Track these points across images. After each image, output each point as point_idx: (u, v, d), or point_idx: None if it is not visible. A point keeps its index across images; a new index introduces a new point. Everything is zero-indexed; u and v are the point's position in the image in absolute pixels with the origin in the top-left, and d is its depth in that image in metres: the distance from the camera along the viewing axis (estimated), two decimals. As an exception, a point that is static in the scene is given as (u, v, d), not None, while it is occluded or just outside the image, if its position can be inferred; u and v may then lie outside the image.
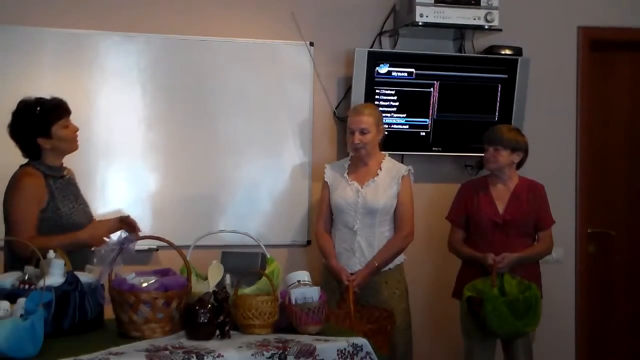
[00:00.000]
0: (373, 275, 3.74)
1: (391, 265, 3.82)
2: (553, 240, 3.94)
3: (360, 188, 3.80)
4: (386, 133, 4.08)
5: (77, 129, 3.42)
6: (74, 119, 4.05)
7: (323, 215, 3.92)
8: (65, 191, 3.37)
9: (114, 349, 2.55)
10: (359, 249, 3.78)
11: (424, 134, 4.36)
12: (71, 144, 3.41)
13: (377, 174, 3.82)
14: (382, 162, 3.86)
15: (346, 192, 3.83)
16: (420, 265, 4.50)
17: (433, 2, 4.14)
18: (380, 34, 4.42)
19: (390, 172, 3.82)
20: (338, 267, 3.76)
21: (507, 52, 4.43)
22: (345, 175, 3.87)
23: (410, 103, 4.32)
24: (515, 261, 3.76)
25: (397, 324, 3.70)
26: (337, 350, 2.73)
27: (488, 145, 3.85)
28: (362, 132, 3.76)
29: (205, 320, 2.68)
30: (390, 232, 3.82)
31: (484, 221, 3.86)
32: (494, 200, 3.88)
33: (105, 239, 3.19)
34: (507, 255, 3.73)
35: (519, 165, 3.93)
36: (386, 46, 4.43)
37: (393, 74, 4.28)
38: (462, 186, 4.04)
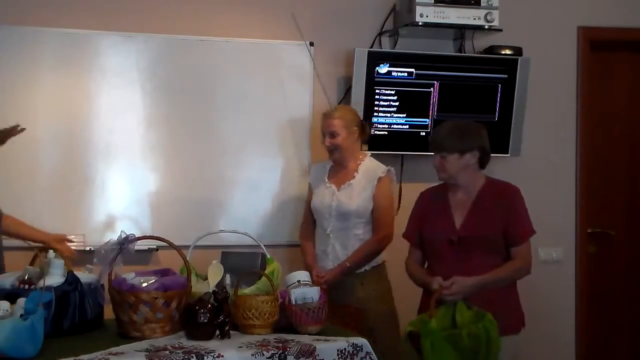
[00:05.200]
0: (344, 275, 3.68)
1: (367, 267, 3.73)
2: (530, 258, 3.21)
3: (336, 191, 3.76)
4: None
5: None
6: (74, 118, 4.08)
7: (306, 218, 3.93)
8: None
9: (114, 349, 2.55)
10: (332, 251, 3.74)
11: (424, 134, 4.36)
12: None
13: (354, 177, 3.77)
14: (360, 163, 3.80)
15: (323, 194, 3.81)
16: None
17: (433, 2, 4.14)
18: (380, 34, 4.42)
19: (367, 174, 3.76)
20: (310, 265, 3.75)
21: (507, 52, 4.43)
22: (325, 177, 3.85)
23: (410, 103, 4.32)
24: (471, 287, 3.03)
25: (378, 325, 3.63)
26: (337, 350, 2.73)
27: (433, 152, 3.25)
28: (332, 135, 3.74)
29: (205, 320, 2.68)
30: (367, 235, 3.75)
31: (436, 238, 3.22)
32: (451, 211, 3.21)
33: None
34: (458, 280, 3.02)
35: (482, 164, 3.23)
36: (386, 46, 4.43)
37: (393, 74, 4.28)
38: (419, 195, 3.45)
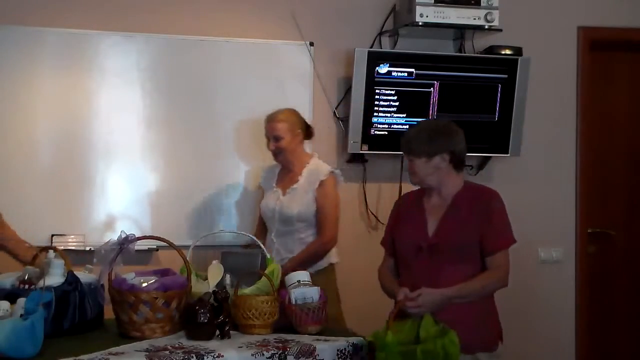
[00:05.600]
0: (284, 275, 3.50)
1: (312, 270, 3.46)
2: (506, 269, 2.92)
3: (281, 195, 3.74)
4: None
5: None
6: (74, 118, 4.08)
7: (258, 221, 3.92)
8: None
9: (114, 349, 2.56)
10: (277, 255, 3.65)
11: (424, 134, 4.35)
12: None
13: (298, 180, 3.73)
14: (305, 166, 3.75)
15: (269, 199, 3.79)
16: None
17: (433, 2, 4.14)
18: (380, 34, 4.42)
19: (309, 177, 3.71)
20: None
21: (507, 52, 4.43)
22: (274, 182, 3.84)
23: (410, 103, 4.32)
24: (439, 299, 2.81)
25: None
26: (337, 350, 2.73)
27: (403, 154, 3.07)
28: (276, 139, 3.71)
29: (205, 320, 2.68)
30: (311, 238, 3.70)
31: (405, 245, 3.02)
32: (425, 217, 3.00)
33: None
34: (425, 292, 2.80)
35: (458, 167, 2.99)
36: (386, 46, 4.43)
37: (393, 74, 4.28)
38: (397, 200, 3.34)
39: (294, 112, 3.82)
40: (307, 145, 4.31)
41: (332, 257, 3.77)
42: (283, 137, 3.71)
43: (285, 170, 3.81)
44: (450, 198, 2.97)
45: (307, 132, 3.83)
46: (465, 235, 2.90)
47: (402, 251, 3.03)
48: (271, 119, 3.76)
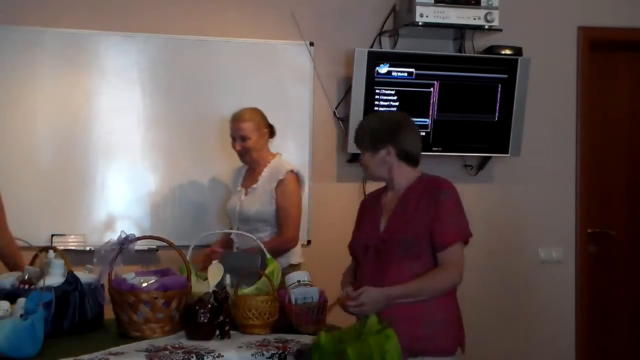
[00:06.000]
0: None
1: None
2: (457, 265, 2.75)
3: (243, 195, 3.73)
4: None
5: None
6: (74, 118, 4.08)
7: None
8: None
9: (114, 349, 2.55)
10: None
11: (424, 134, 4.35)
12: None
13: (258, 180, 3.71)
14: (267, 165, 3.72)
15: (233, 198, 3.79)
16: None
17: (433, 2, 4.14)
18: (380, 34, 4.42)
19: (270, 177, 3.68)
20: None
21: (507, 52, 4.43)
22: (239, 181, 3.82)
23: (410, 103, 4.32)
24: (380, 299, 2.68)
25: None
26: (337, 350, 2.73)
27: None
28: (243, 139, 3.68)
29: (205, 320, 2.68)
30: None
31: (357, 245, 2.92)
32: (379, 215, 2.88)
33: None
34: (367, 291, 2.68)
35: (409, 160, 2.85)
36: (386, 46, 4.43)
37: (393, 74, 4.28)
38: (362, 199, 3.24)
39: (258, 111, 3.77)
40: (304, 144, 4.33)
41: (293, 257, 3.70)
42: (250, 137, 3.67)
43: (251, 170, 3.79)
44: (401, 192, 2.84)
45: (271, 130, 3.79)
46: (412, 230, 2.75)
47: (355, 251, 2.94)
48: (237, 119, 3.71)
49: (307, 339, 2.73)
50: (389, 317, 2.57)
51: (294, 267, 3.63)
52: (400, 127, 2.84)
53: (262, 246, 3.18)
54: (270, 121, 4.28)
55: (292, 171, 3.68)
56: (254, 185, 3.71)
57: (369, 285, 2.71)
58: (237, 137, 3.70)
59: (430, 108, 4.35)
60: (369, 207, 2.98)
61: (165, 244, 2.86)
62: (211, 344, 2.62)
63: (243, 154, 3.72)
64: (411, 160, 2.85)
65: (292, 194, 3.68)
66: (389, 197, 2.88)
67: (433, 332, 2.73)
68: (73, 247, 3.95)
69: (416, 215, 2.76)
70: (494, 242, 4.59)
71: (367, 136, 2.85)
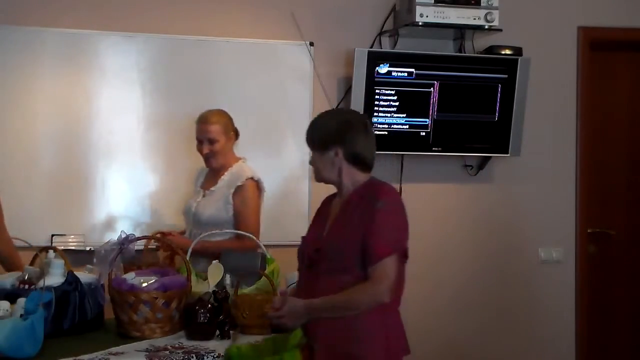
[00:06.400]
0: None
1: None
2: (383, 282, 2.49)
3: (201, 197, 3.65)
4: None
5: None
6: (74, 118, 4.08)
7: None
8: None
9: (114, 349, 2.56)
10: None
11: (424, 134, 4.36)
12: None
13: (217, 183, 3.62)
14: (228, 170, 3.63)
15: (191, 200, 3.71)
16: (418, 269, 4.50)
17: (433, 2, 4.14)
18: (380, 34, 4.42)
19: (229, 181, 3.59)
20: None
21: (507, 52, 4.43)
22: (200, 182, 3.75)
23: (410, 103, 4.32)
24: (301, 311, 2.52)
25: None
26: (337, 350, 2.72)
27: None
28: (211, 142, 3.58)
29: (205, 320, 2.68)
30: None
31: (298, 253, 2.74)
32: (325, 221, 2.69)
33: None
34: (290, 302, 2.54)
35: (358, 163, 2.64)
36: (386, 46, 4.43)
37: (393, 74, 4.28)
38: None
39: (225, 113, 3.69)
40: (304, 144, 4.31)
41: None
42: (218, 140, 3.58)
43: (212, 172, 3.70)
44: (345, 198, 2.65)
45: (236, 134, 3.71)
46: (344, 240, 2.55)
47: (298, 260, 2.73)
48: (204, 121, 3.61)
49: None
50: (315, 333, 2.48)
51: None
52: (352, 127, 2.63)
53: (262, 245, 3.18)
54: (271, 121, 4.29)
55: (251, 178, 3.58)
56: (212, 188, 3.62)
57: (302, 297, 2.56)
58: (205, 140, 3.59)
59: (430, 108, 4.35)
60: (321, 211, 2.77)
61: (165, 244, 2.86)
62: (211, 344, 2.62)
63: (209, 157, 3.62)
64: (361, 164, 2.64)
65: (251, 201, 3.58)
66: (336, 203, 2.69)
67: (361, 351, 2.50)
68: (73, 247, 3.94)
69: (351, 224, 2.56)
70: (494, 242, 4.59)
71: (317, 135, 2.67)
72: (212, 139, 3.59)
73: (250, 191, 3.58)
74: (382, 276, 2.49)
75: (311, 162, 2.72)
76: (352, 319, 2.49)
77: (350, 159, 2.62)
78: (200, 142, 3.63)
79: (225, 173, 3.63)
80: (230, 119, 3.69)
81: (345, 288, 2.50)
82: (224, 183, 3.61)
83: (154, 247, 3.97)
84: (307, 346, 2.51)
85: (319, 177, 2.70)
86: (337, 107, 4.36)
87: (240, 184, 3.56)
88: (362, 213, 2.55)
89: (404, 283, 2.65)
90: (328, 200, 2.78)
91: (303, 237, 2.77)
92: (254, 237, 3.29)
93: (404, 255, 2.61)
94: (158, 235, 3.47)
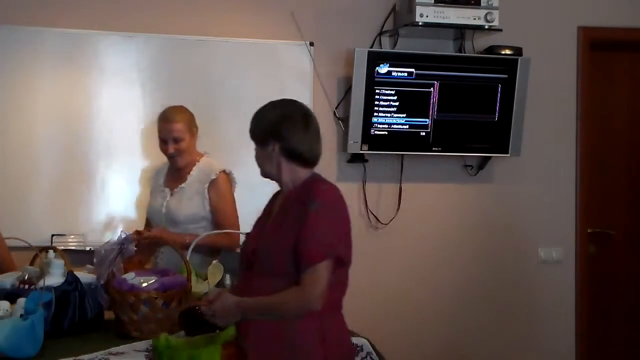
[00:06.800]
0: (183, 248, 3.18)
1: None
2: (312, 289, 2.34)
3: (168, 195, 3.55)
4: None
5: None
6: (74, 118, 4.08)
7: (145, 224, 3.71)
8: None
9: (114, 349, 2.56)
10: (167, 260, 3.43)
11: (424, 134, 4.36)
12: None
13: (186, 180, 3.54)
14: (195, 165, 3.56)
15: (156, 199, 3.61)
16: (418, 269, 4.50)
17: (433, 2, 4.14)
18: (380, 34, 4.42)
19: (200, 176, 3.53)
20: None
21: (507, 52, 4.43)
22: (162, 180, 3.64)
23: (410, 103, 4.32)
24: (232, 308, 2.40)
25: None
26: (337, 350, 2.72)
27: None
28: (176, 141, 3.49)
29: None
30: None
31: (240, 252, 2.68)
32: (267, 219, 2.56)
33: None
34: (223, 297, 2.44)
35: (296, 159, 2.50)
36: (386, 46, 4.43)
37: (393, 74, 4.28)
38: None
39: (187, 110, 3.60)
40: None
41: None
42: (183, 139, 3.49)
43: (174, 169, 3.61)
44: (284, 196, 2.53)
45: (197, 130, 3.61)
46: (277, 243, 2.42)
47: (239, 259, 2.63)
48: (168, 119, 3.52)
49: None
50: (247, 335, 2.41)
51: None
52: (289, 121, 2.48)
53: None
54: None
55: (224, 171, 3.54)
56: (182, 185, 3.54)
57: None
58: (170, 139, 3.49)
59: (430, 108, 4.35)
60: (267, 207, 2.62)
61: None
62: (211, 344, 2.61)
63: (175, 156, 3.52)
64: (300, 160, 2.49)
65: (227, 194, 3.55)
66: (279, 201, 2.55)
67: (295, 358, 2.40)
68: (73, 247, 3.94)
69: (285, 226, 2.42)
70: (494, 242, 4.59)
71: (257, 127, 2.53)
72: (177, 137, 3.49)
73: (224, 184, 3.55)
74: (312, 283, 2.33)
75: (255, 157, 2.56)
76: (285, 323, 2.38)
77: (287, 155, 2.47)
78: (164, 142, 3.52)
79: (193, 169, 3.55)
80: (192, 115, 3.60)
81: (278, 292, 2.38)
82: (194, 179, 3.54)
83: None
84: (236, 345, 2.45)
85: (262, 172, 2.56)
86: (337, 107, 4.36)
87: (214, 177, 3.52)
88: (297, 214, 2.39)
89: (346, 287, 2.53)
90: (274, 196, 2.62)
91: (247, 235, 2.65)
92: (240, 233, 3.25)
93: (340, 261, 2.41)
94: (157, 234, 3.43)
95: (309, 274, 2.33)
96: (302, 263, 2.33)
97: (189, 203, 3.51)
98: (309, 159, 2.51)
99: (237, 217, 3.55)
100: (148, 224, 3.70)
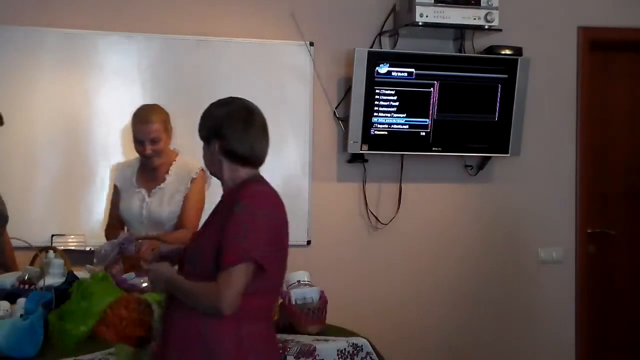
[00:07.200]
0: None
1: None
2: (224, 291, 2.25)
3: (146, 197, 3.49)
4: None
5: None
6: (74, 118, 4.08)
7: (111, 221, 3.63)
8: None
9: (114, 349, 2.55)
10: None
11: (424, 134, 4.36)
12: None
13: (165, 179, 3.50)
14: (172, 163, 3.51)
15: (132, 201, 3.52)
16: (418, 269, 4.50)
17: (433, 2, 4.14)
18: (380, 34, 4.42)
19: (179, 175, 3.49)
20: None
21: (507, 52, 4.43)
22: (134, 180, 3.55)
23: (410, 103, 4.32)
24: (162, 277, 2.39)
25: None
26: (337, 350, 2.74)
27: None
28: (153, 142, 3.42)
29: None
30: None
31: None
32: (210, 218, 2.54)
33: None
34: (160, 265, 2.47)
35: (235, 159, 2.46)
36: (386, 46, 4.43)
37: (393, 74, 4.28)
38: None
39: (162, 109, 3.53)
40: (304, 144, 4.32)
41: None
42: (161, 139, 3.43)
43: (147, 168, 3.53)
44: (222, 197, 2.51)
45: (172, 127, 3.56)
46: (202, 243, 2.41)
47: None
48: (144, 120, 3.44)
49: (307, 339, 2.74)
50: (167, 334, 2.36)
51: None
52: (229, 120, 2.47)
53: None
54: (271, 121, 4.26)
55: (202, 169, 3.45)
56: (161, 186, 3.50)
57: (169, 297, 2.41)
58: (147, 140, 3.42)
59: (430, 108, 4.35)
60: (216, 207, 2.55)
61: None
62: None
63: (153, 157, 3.46)
64: (241, 160, 2.46)
65: (201, 193, 3.52)
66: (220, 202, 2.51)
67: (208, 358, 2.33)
68: (73, 247, 3.94)
69: (212, 226, 2.41)
70: (494, 242, 4.59)
71: (201, 126, 2.52)
72: (154, 138, 3.43)
73: (202, 183, 3.52)
74: (224, 285, 2.25)
75: (203, 156, 2.53)
76: (203, 323, 2.31)
77: (227, 154, 2.45)
78: (140, 143, 3.45)
79: (171, 168, 3.51)
80: (167, 114, 3.55)
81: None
82: (173, 178, 3.51)
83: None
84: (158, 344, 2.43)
85: (209, 171, 2.56)
86: (337, 107, 4.36)
87: (195, 176, 3.50)
88: (225, 214, 2.35)
89: (274, 296, 2.47)
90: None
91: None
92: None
93: (260, 265, 2.31)
94: (158, 235, 3.43)
95: (223, 276, 2.26)
96: (222, 262, 2.27)
97: (171, 202, 3.49)
98: (250, 159, 2.48)
99: (200, 217, 3.46)
100: (115, 225, 3.60)
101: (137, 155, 3.58)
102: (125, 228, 3.58)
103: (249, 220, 2.31)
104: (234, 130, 2.45)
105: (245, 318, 2.32)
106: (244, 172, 2.46)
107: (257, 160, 2.50)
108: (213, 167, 2.49)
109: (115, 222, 3.62)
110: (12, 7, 4.00)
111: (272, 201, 2.43)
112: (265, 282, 2.35)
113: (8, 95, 3.97)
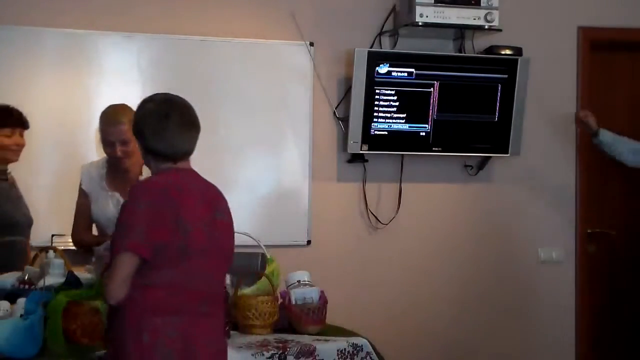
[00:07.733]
0: None
1: None
2: (111, 278, 2.34)
3: (121, 200, 3.30)
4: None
5: (21, 143, 3.45)
6: (74, 118, 4.07)
7: (77, 223, 3.54)
8: (8, 193, 3.41)
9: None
10: None
11: (423, 134, 4.36)
12: (7, 153, 3.45)
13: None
14: (142, 164, 3.26)
15: (107, 205, 3.43)
16: (418, 269, 4.50)
17: (433, 2, 4.14)
18: (380, 34, 4.41)
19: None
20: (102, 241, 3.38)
21: (507, 52, 4.43)
22: (104, 184, 3.48)
23: (410, 103, 4.32)
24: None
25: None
26: (337, 350, 2.74)
27: None
28: (124, 143, 3.32)
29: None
30: None
31: None
32: None
33: None
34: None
35: (156, 156, 2.51)
36: (386, 46, 4.43)
37: (393, 74, 4.28)
38: None
39: (131, 109, 3.21)
40: (304, 144, 4.32)
41: None
42: (131, 140, 3.21)
43: (118, 170, 3.44)
44: None
45: None
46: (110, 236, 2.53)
47: None
48: (113, 122, 3.35)
49: (307, 339, 2.74)
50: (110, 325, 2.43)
51: None
52: (148, 118, 2.51)
53: (262, 245, 3.18)
54: (271, 121, 4.29)
55: None
56: None
57: None
58: (117, 142, 3.33)
59: (430, 108, 4.35)
60: None
61: (165, 244, 2.85)
62: (211, 344, 2.61)
63: (124, 158, 3.36)
64: (162, 157, 2.50)
65: None
66: None
67: (120, 351, 2.37)
68: (73, 247, 3.94)
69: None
70: (494, 242, 4.59)
71: (132, 123, 2.59)
72: (124, 139, 3.32)
73: None
74: (107, 275, 2.38)
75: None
76: (115, 313, 2.37)
77: (148, 152, 2.51)
78: (110, 144, 3.36)
79: (143, 168, 3.32)
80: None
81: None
82: None
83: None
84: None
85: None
86: (337, 107, 4.36)
87: None
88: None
89: (180, 291, 2.39)
90: None
91: None
92: (251, 236, 3.24)
93: (140, 255, 2.32)
94: None
95: (112, 264, 2.34)
96: (111, 253, 2.36)
97: None
98: (170, 156, 2.50)
99: None
100: (85, 229, 3.56)
101: (104, 155, 3.50)
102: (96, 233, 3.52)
103: (129, 211, 2.38)
104: (151, 128, 2.48)
105: (145, 312, 2.33)
106: (164, 166, 2.51)
107: (176, 155, 2.52)
108: (145, 162, 2.57)
109: (82, 223, 3.53)
110: (12, 7, 4.00)
111: (158, 191, 2.43)
112: (160, 274, 2.35)
113: (8, 95, 3.96)
